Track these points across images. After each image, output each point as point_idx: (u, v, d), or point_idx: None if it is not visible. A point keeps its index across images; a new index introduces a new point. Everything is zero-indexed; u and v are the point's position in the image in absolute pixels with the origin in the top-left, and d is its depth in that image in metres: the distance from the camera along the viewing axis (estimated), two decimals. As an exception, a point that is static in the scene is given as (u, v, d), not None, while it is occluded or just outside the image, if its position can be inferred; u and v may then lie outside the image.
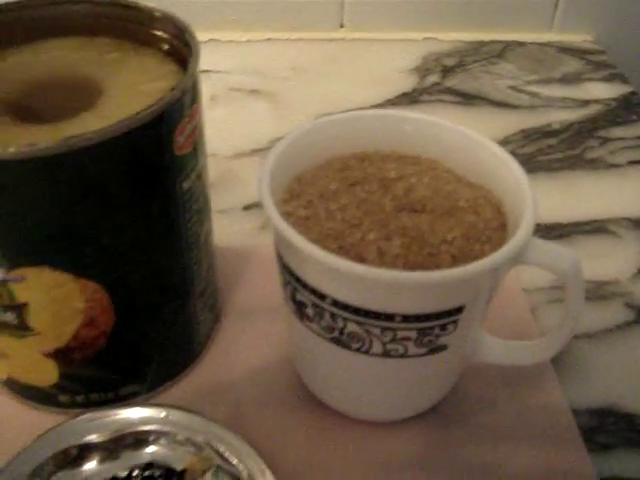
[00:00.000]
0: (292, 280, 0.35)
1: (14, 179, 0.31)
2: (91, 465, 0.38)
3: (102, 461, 0.38)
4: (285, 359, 0.43)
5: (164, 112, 0.33)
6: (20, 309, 0.36)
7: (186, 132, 0.35)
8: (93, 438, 0.38)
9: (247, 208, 0.54)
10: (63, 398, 0.40)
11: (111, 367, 0.39)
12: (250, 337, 0.44)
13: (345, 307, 0.34)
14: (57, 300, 0.35)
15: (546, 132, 0.64)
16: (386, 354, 0.35)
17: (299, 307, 0.36)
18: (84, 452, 0.38)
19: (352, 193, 0.37)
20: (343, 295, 0.33)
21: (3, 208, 0.32)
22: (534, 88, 0.69)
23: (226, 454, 0.37)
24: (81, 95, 0.36)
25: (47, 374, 0.39)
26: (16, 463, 0.37)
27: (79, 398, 0.40)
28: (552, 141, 0.62)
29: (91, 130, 0.31)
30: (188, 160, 0.36)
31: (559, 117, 0.66)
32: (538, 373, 0.43)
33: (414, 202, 0.37)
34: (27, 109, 0.35)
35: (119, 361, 0.39)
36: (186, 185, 0.36)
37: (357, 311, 0.33)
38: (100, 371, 0.39)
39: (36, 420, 0.40)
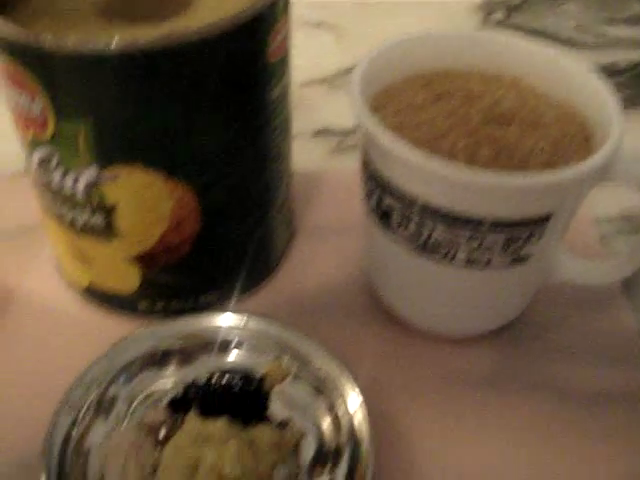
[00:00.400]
0: (379, 187, 0.35)
1: (114, 75, 0.32)
2: (172, 369, 0.39)
3: (182, 366, 0.39)
4: (360, 276, 0.43)
5: (261, 14, 0.33)
6: (109, 211, 0.36)
7: (278, 39, 0.35)
8: (175, 343, 0.39)
9: (317, 134, 0.54)
10: (143, 305, 0.40)
11: (192, 274, 0.39)
12: (324, 255, 0.45)
13: (434, 212, 0.34)
14: (146, 201, 0.36)
15: (612, 71, 0.63)
16: (469, 264, 0.35)
17: (384, 216, 0.36)
18: (166, 356, 0.38)
19: (438, 106, 0.37)
20: (433, 199, 0.33)
21: (101, 105, 0.32)
22: (600, 28, 0.69)
23: (306, 361, 0.38)
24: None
25: (129, 280, 0.39)
26: (104, 360, 0.37)
27: (159, 305, 0.40)
28: (618, 80, 0.62)
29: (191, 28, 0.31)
30: (278, 68, 0.36)
31: (625, 57, 0.65)
32: (609, 296, 0.43)
33: (500, 115, 0.37)
34: (121, 12, 0.35)
35: (201, 269, 0.39)
36: (274, 94, 0.37)
37: (446, 216, 0.34)
38: (181, 278, 0.39)
39: (115, 327, 0.41)
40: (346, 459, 0.35)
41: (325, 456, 0.35)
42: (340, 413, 0.36)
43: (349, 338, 0.40)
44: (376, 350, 0.40)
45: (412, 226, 0.35)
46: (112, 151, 0.34)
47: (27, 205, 0.46)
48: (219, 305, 0.41)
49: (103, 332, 0.41)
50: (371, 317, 0.42)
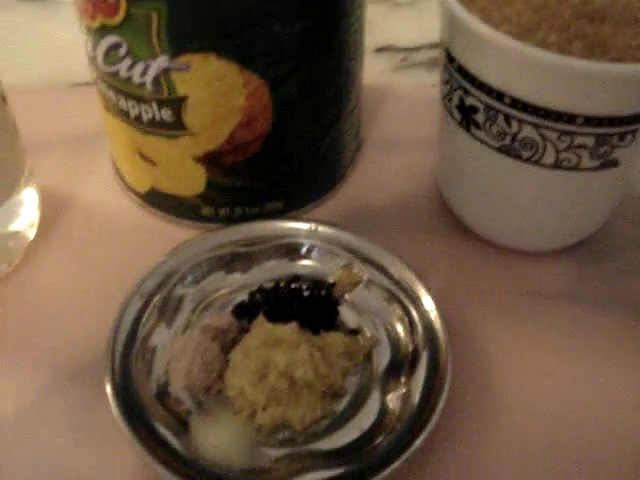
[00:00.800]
0: (464, 83, 0.34)
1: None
2: (239, 273, 0.37)
3: (249, 270, 0.38)
4: (429, 188, 0.42)
5: None
6: (178, 104, 0.35)
7: None
8: (243, 247, 0.37)
9: (379, 50, 0.52)
10: (206, 211, 0.39)
11: (259, 178, 0.38)
12: (392, 167, 0.43)
13: (524, 107, 0.32)
14: (218, 94, 0.34)
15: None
16: (557, 165, 0.34)
17: (468, 114, 0.34)
18: (234, 260, 0.37)
19: (525, 1, 0.35)
20: (525, 92, 0.32)
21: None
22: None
23: (378, 268, 0.36)
24: None
25: (194, 182, 0.38)
26: (172, 260, 0.36)
27: (222, 211, 0.39)
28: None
29: None
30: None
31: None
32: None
33: (593, 11, 0.35)
34: None
35: (268, 172, 0.38)
36: (351, -15, 0.35)
37: (537, 111, 0.32)
38: (247, 181, 0.38)
39: (177, 234, 0.40)
40: (423, 366, 0.33)
41: (400, 364, 0.34)
42: (415, 320, 0.34)
43: (420, 249, 0.38)
44: (449, 262, 0.39)
45: (500, 122, 0.33)
46: (185, 39, 0.32)
47: (85, 114, 0.45)
48: (284, 214, 0.40)
49: (164, 238, 0.39)
50: (443, 230, 0.40)
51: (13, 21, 0.32)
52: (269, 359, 0.32)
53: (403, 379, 0.33)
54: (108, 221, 0.41)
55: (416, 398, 0.32)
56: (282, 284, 0.37)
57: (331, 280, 0.37)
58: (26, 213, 0.39)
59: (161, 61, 0.33)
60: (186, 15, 0.32)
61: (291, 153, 0.38)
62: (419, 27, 0.52)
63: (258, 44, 0.33)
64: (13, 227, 0.38)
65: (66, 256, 0.39)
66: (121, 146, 0.39)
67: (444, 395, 0.32)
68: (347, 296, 0.37)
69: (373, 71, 0.50)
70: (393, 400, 0.33)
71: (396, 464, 0.30)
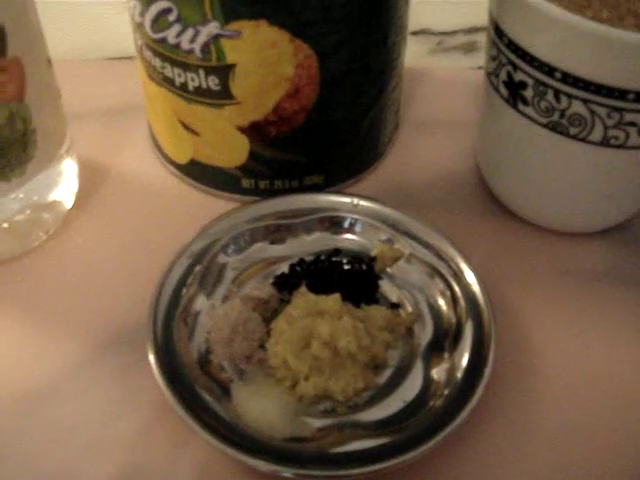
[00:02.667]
0: (514, 58, 0.34)
1: None
2: (280, 245, 0.37)
3: (291, 242, 0.37)
4: (468, 167, 0.42)
5: None
6: (226, 72, 0.34)
7: None
8: (284, 219, 0.37)
9: (415, 34, 0.52)
10: (246, 183, 0.39)
11: (301, 151, 0.38)
12: (430, 146, 0.43)
13: (575, 82, 0.32)
14: (267, 62, 0.34)
15: None
16: (605, 142, 0.33)
17: (515, 90, 0.34)
18: (276, 231, 0.37)
19: (576, -22, 0.35)
20: (576, 67, 0.31)
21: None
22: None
23: (419, 243, 0.36)
24: None
25: (237, 152, 0.38)
26: (213, 228, 0.36)
27: (262, 184, 0.39)
28: None
29: None
30: None
31: None
32: None
33: (644, -11, 0.35)
34: None
35: (310, 145, 0.38)
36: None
37: (588, 86, 0.32)
38: (290, 154, 0.38)
39: (216, 205, 0.39)
40: (467, 339, 0.33)
41: (443, 338, 0.34)
42: (457, 294, 0.34)
43: (459, 227, 0.38)
44: (487, 240, 0.39)
45: (549, 97, 0.33)
46: (238, 5, 0.32)
47: (119, 87, 0.45)
48: (323, 188, 0.39)
49: (202, 210, 0.39)
50: (482, 208, 0.40)
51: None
52: (312, 329, 0.32)
53: (446, 353, 0.33)
54: (145, 192, 0.40)
55: (460, 372, 0.32)
56: (323, 257, 0.37)
57: (372, 254, 0.36)
58: (65, 183, 0.38)
59: (212, 27, 0.33)
60: (240, -20, 0.31)
61: (334, 127, 0.37)
62: (453, 11, 0.52)
63: (310, 13, 0.33)
64: (52, 196, 0.38)
65: (103, 226, 0.39)
66: (163, 116, 0.38)
67: (488, 369, 0.32)
68: (388, 270, 0.36)
69: (409, 54, 0.50)
70: (437, 373, 0.33)
71: (439, 437, 0.30)
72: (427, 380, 0.33)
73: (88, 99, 0.45)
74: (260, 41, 0.33)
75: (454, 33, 0.51)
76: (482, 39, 0.49)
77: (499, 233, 0.39)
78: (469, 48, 0.50)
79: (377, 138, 0.40)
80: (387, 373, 0.33)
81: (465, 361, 0.32)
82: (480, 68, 0.47)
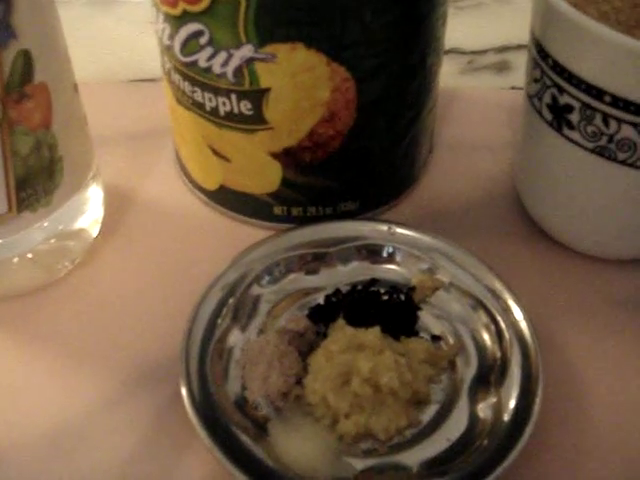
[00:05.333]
0: (559, 80, 0.32)
1: None
2: (315, 276, 0.36)
3: (325, 272, 0.36)
4: (504, 191, 0.41)
5: None
6: (260, 96, 0.33)
7: None
8: (319, 248, 0.36)
9: (445, 53, 0.50)
10: (279, 210, 0.38)
11: (336, 177, 0.37)
12: (465, 170, 0.42)
13: (625, 105, 0.31)
14: (303, 86, 0.33)
15: None
16: (656, 168, 0.32)
17: (560, 113, 0.33)
18: (310, 261, 0.36)
19: (622, -3, 0.34)
20: (627, 90, 0.30)
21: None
22: None
23: (461, 272, 0.35)
24: None
25: (269, 179, 0.36)
26: (246, 258, 0.35)
27: (295, 211, 0.37)
28: None
29: None
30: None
31: None
32: None
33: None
34: None
35: (346, 171, 0.36)
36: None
37: (638, 110, 0.30)
38: (324, 180, 0.36)
39: (246, 233, 0.38)
40: (514, 375, 0.31)
41: (488, 373, 0.32)
42: (502, 327, 0.33)
43: (499, 254, 0.37)
44: (528, 268, 0.37)
45: (597, 121, 0.32)
46: (274, 27, 0.31)
47: (143, 110, 0.44)
48: (358, 215, 0.38)
49: (233, 238, 0.38)
50: (521, 234, 0.39)
51: (66, 17, 0.31)
52: (352, 365, 0.31)
53: (492, 388, 0.32)
54: (173, 220, 0.39)
55: (507, 409, 0.31)
56: (359, 287, 0.35)
57: (411, 284, 0.35)
58: (91, 210, 0.37)
59: (245, 50, 0.32)
60: (276, 2, 0.30)
61: (370, 152, 0.36)
62: (483, 30, 0.51)
63: (348, 35, 0.31)
64: (78, 225, 0.36)
65: (130, 255, 0.38)
66: (191, 141, 0.37)
67: (536, 407, 0.30)
68: (428, 301, 0.35)
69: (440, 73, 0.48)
70: (483, 410, 0.31)
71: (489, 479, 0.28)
72: (473, 417, 0.31)
73: (111, 123, 0.44)
74: (296, 65, 0.32)
75: (484, 52, 0.50)
76: (514, 58, 0.48)
77: (540, 260, 0.38)
78: (500, 67, 0.49)
79: (412, 163, 0.39)
80: (430, 410, 0.32)
81: (512, 398, 0.31)
82: (513, 88, 0.46)
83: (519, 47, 0.50)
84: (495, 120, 0.44)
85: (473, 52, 0.50)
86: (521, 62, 0.47)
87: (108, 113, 0.44)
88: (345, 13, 0.31)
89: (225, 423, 0.30)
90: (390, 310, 0.34)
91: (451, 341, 0.34)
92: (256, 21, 0.31)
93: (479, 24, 0.51)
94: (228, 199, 0.38)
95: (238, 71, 0.32)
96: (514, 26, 0.51)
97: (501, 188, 0.41)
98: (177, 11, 0.32)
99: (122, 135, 0.43)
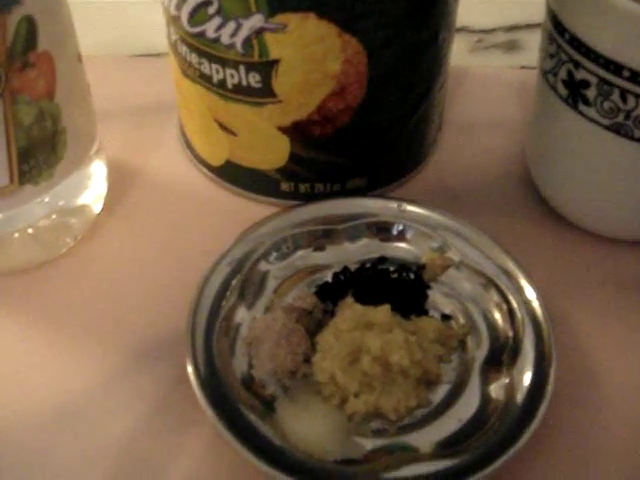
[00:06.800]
0: (576, 56, 0.31)
1: None
2: (323, 253, 0.35)
3: (333, 249, 0.35)
4: (514, 170, 0.40)
5: None
6: (269, 68, 0.32)
7: None
8: (327, 225, 0.35)
9: (457, 31, 0.50)
10: (286, 186, 0.37)
11: (345, 152, 0.36)
12: (475, 148, 0.41)
13: (646, 80, 0.30)
14: (313, 58, 0.32)
15: None
16: (675, 145, 0.31)
17: (576, 89, 0.32)
18: (318, 238, 0.35)
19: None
20: (648, 64, 0.29)
21: None
22: None
23: (471, 250, 0.34)
24: None
25: (277, 154, 0.36)
26: (253, 234, 0.34)
27: (303, 187, 0.37)
28: None
29: None
30: None
31: None
32: None
33: None
34: None
35: (355, 146, 0.36)
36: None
37: (660, 86, 0.29)
38: (333, 155, 0.36)
39: (253, 209, 0.37)
40: (526, 355, 0.31)
41: (499, 353, 0.32)
42: (514, 307, 0.32)
43: (509, 233, 0.36)
44: (538, 248, 0.37)
45: (614, 97, 0.31)
46: (284, -5, 0.30)
47: (146, 85, 0.43)
48: (366, 192, 0.37)
49: (238, 214, 0.37)
50: (531, 213, 0.38)
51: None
52: (361, 343, 0.30)
53: (504, 368, 0.31)
54: (177, 196, 0.38)
55: (519, 389, 0.30)
56: (368, 265, 0.34)
57: (421, 262, 0.34)
58: (94, 186, 0.36)
59: (255, 20, 0.31)
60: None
61: (380, 127, 0.35)
62: (492, 9, 0.50)
63: (361, 5, 0.31)
64: (80, 201, 0.36)
65: (134, 232, 0.37)
66: (197, 115, 0.36)
67: (550, 388, 0.30)
68: (437, 279, 0.34)
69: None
70: (495, 390, 0.30)
71: (500, 461, 0.28)
72: (484, 397, 0.31)
73: (115, 97, 0.43)
74: (307, 35, 0.31)
75: (493, 31, 0.49)
76: (523, 37, 0.47)
77: (551, 239, 0.37)
78: (509, 46, 0.48)
79: (422, 139, 0.38)
80: (441, 389, 0.31)
81: (525, 378, 0.30)
82: (523, 67, 0.45)
83: (528, 26, 0.49)
84: (505, 99, 0.43)
85: (482, 31, 0.49)
86: (530, 41, 0.46)
87: (112, 87, 0.43)
88: (359, -18, 0.30)
89: (232, 401, 0.30)
90: (399, 288, 0.34)
91: (461, 320, 0.33)
92: (266, -11, 0.30)
93: (488, 2, 0.50)
94: (234, 175, 0.37)
95: (247, 42, 0.32)
96: (523, 5, 0.50)
97: (512, 166, 0.40)
98: (185, -21, 0.31)
99: (126, 110, 0.43)
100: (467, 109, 0.43)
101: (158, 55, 0.46)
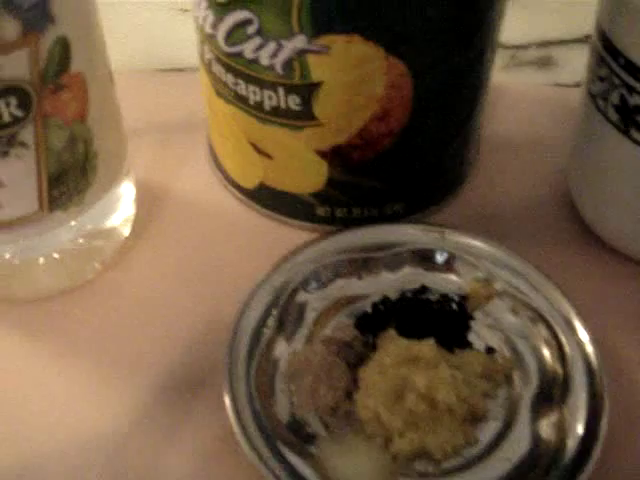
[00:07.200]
0: (631, 81, 0.30)
1: None
2: (362, 282, 0.34)
3: (372, 278, 0.34)
4: (557, 194, 0.38)
5: None
6: (310, 90, 0.31)
7: None
8: (367, 252, 0.34)
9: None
10: (322, 211, 0.35)
11: (385, 177, 0.35)
12: (513, 170, 0.40)
13: None
14: (357, 81, 0.31)
15: None
16: None
17: (629, 115, 0.31)
18: (360, 266, 0.33)
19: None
20: None
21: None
22: None
23: (517, 280, 0.33)
24: None
25: (313, 178, 0.34)
26: (291, 263, 0.32)
27: (339, 211, 0.35)
28: None
29: None
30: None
31: None
32: None
33: None
34: None
35: (396, 171, 0.34)
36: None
37: None
38: (372, 180, 0.34)
39: (285, 236, 0.36)
40: (578, 393, 0.30)
41: (548, 389, 0.30)
42: (563, 342, 0.31)
43: (550, 260, 0.35)
44: (584, 277, 0.35)
45: (672, 126, 0.29)
46: (330, 17, 0.29)
47: (172, 102, 0.42)
48: (404, 217, 0.36)
49: (271, 239, 0.36)
50: (575, 240, 0.37)
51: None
52: (406, 379, 0.29)
53: (555, 405, 0.30)
54: (208, 219, 0.37)
55: (573, 430, 0.29)
56: (409, 295, 0.33)
57: (464, 292, 0.33)
58: (123, 208, 0.35)
59: (298, 41, 0.29)
60: (333, -8, 0.28)
61: (421, 151, 0.34)
62: (525, 24, 0.49)
63: (409, 26, 0.29)
64: (109, 223, 0.34)
65: (164, 256, 0.36)
66: (230, 136, 0.35)
67: (604, 430, 0.28)
68: (481, 310, 0.33)
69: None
70: (546, 429, 0.29)
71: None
72: (535, 436, 0.29)
73: (139, 114, 0.41)
74: (351, 57, 0.30)
75: (526, 47, 0.48)
76: (557, 54, 0.46)
77: (595, 269, 0.36)
78: (543, 63, 0.47)
79: (462, 162, 0.37)
80: (487, 427, 0.30)
81: (578, 420, 0.29)
82: (558, 85, 0.44)
83: (561, 42, 0.48)
84: (542, 118, 0.42)
85: (514, 46, 0.48)
86: (564, 57, 0.45)
87: (135, 104, 0.41)
88: (407, 3, 0.29)
89: (271, 439, 0.28)
90: (442, 320, 0.32)
91: (506, 353, 0.32)
92: (312, 10, 0.29)
93: (520, 18, 0.49)
94: (267, 198, 0.36)
95: (288, 63, 0.30)
96: (555, 20, 0.49)
97: (552, 189, 0.39)
98: (224, -3, 0.30)
99: (151, 127, 0.41)
100: (503, 129, 0.42)
101: (183, 70, 0.45)
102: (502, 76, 0.46)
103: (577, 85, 0.44)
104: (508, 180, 0.39)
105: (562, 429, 0.29)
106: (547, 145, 0.41)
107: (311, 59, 0.30)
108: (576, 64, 0.46)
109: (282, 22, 0.29)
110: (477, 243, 0.34)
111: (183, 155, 0.40)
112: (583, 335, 0.31)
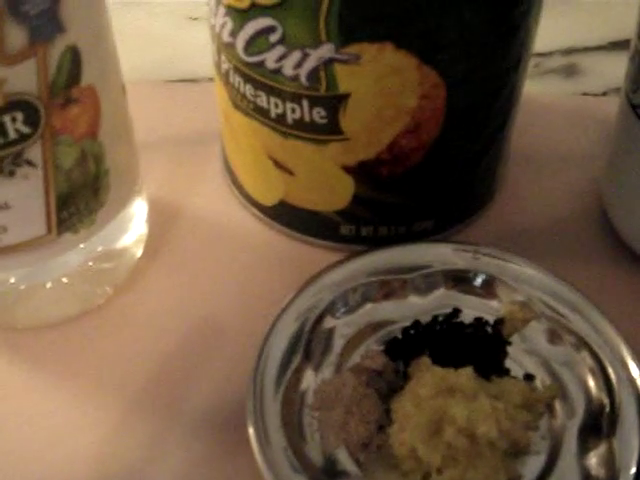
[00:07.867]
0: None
1: None
2: (391, 305, 0.32)
3: (402, 301, 0.32)
4: (590, 209, 0.36)
5: None
6: (337, 102, 0.29)
7: None
8: (398, 274, 0.32)
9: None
10: (346, 229, 0.33)
11: (413, 193, 0.33)
12: (543, 183, 0.38)
13: None
14: (388, 92, 0.29)
15: None
16: None
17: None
18: (390, 289, 0.31)
19: None
20: None
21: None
22: None
23: (555, 303, 0.31)
24: None
25: (338, 195, 0.32)
26: (317, 286, 0.30)
27: (365, 230, 0.33)
28: None
29: None
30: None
31: None
32: None
33: None
34: None
35: (426, 187, 0.32)
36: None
37: None
38: (400, 197, 0.32)
39: (307, 256, 0.34)
40: (628, 425, 0.28)
41: (594, 420, 0.28)
42: (609, 371, 0.29)
43: (585, 277, 0.33)
44: (619, 295, 0.33)
45: None
46: (360, 24, 0.27)
47: (184, 114, 0.40)
48: (432, 235, 0.34)
49: (293, 259, 0.34)
50: (611, 257, 0.35)
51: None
52: (444, 411, 0.27)
53: (603, 439, 0.27)
54: (224, 238, 0.35)
55: (626, 464, 0.26)
56: (440, 319, 0.31)
57: (499, 315, 0.31)
58: (135, 228, 0.33)
59: (325, 50, 0.28)
60: (363, -1, 0.26)
61: (454, 165, 0.32)
62: (549, 31, 0.47)
63: (445, 34, 0.27)
64: (120, 244, 0.32)
65: (179, 278, 0.34)
66: (249, 151, 0.33)
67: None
68: (518, 334, 0.31)
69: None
70: (594, 463, 0.27)
71: None
72: (583, 471, 0.27)
73: (149, 128, 0.39)
74: (383, 67, 0.28)
75: (551, 54, 0.46)
76: (582, 61, 0.44)
77: (632, 286, 0.34)
78: (569, 71, 0.45)
79: (493, 176, 0.35)
80: (531, 462, 0.28)
81: (628, 454, 0.27)
82: (585, 94, 0.42)
83: (586, 49, 0.46)
84: (569, 129, 0.40)
85: (538, 54, 0.46)
86: (589, 66, 0.43)
87: (145, 117, 0.39)
88: (443, 9, 0.27)
89: (300, 478, 0.26)
90: (477, 345, 0.30)
91: (547, 381, 0.29)
92: (341, 16, 0.27)
93: (543, 24, 0.47)
94: (288, 216, 0.34)
95: (314, 74, 0.28)
96: (581, 26, 0.47)
97: (584, 204, 0.37)
98: (244, 4, 0.28)
99: (163, 141, 0.39)
100: (531, 141, 0.40)
101: (194, 81, 0.43)
102: (528, 86, 0.44)
103: (604, 94, 0.42)
104: (537, 194, 0.37)
105: (612, 463, 0.27)
106: (576, 157, 0.39)
107: (338, 69, 0.28)
108: (601, 72, 0.44)
109: (308, 29, 0.27)
110: (513, 264, 0.32)
111: (197, 171, 0.38)
112: (632, 365, 0.28)
